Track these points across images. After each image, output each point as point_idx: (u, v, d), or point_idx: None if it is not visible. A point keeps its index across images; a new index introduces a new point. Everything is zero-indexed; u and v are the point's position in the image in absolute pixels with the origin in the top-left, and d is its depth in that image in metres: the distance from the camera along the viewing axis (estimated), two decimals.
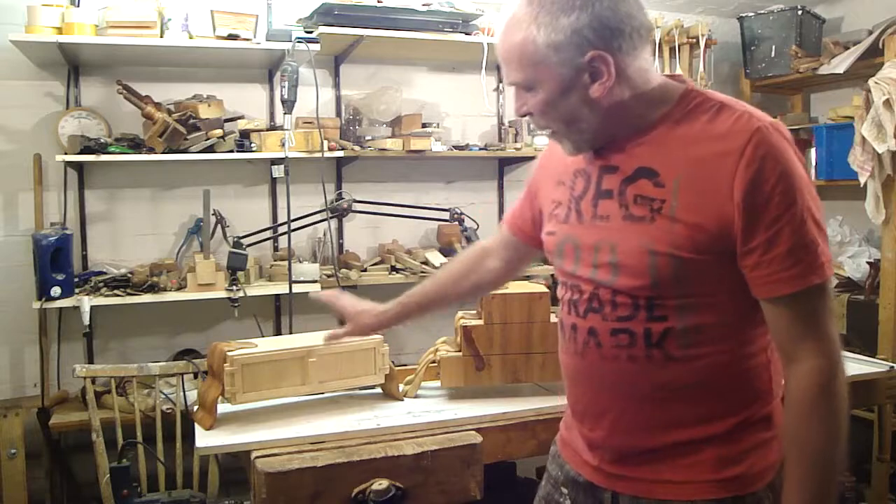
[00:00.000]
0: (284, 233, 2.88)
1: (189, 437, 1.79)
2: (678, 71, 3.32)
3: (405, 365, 2.15)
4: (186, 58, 2.87)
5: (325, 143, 2.87)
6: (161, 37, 2.65)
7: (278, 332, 3.13)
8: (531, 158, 3.45)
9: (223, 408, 1.69)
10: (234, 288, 2.73)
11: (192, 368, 2.42)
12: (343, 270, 2.99)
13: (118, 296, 2.65)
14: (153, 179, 2.98)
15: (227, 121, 2.90)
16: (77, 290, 2.67)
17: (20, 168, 2.78)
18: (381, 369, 1.80)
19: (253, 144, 2.84)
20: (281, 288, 2.85)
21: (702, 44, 3.37)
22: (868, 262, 3.14)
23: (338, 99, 3.21)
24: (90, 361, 2.85)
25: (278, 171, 2.90)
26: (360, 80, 3.23)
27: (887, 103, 2.76)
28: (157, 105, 2.75)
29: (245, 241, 2.75)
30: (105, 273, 2.80)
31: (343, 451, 1.51)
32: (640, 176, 1.15)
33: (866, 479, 2.99)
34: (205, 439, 1.57)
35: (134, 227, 2.98)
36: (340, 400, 1.80)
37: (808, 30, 3.43)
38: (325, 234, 3.15)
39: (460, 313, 1.92)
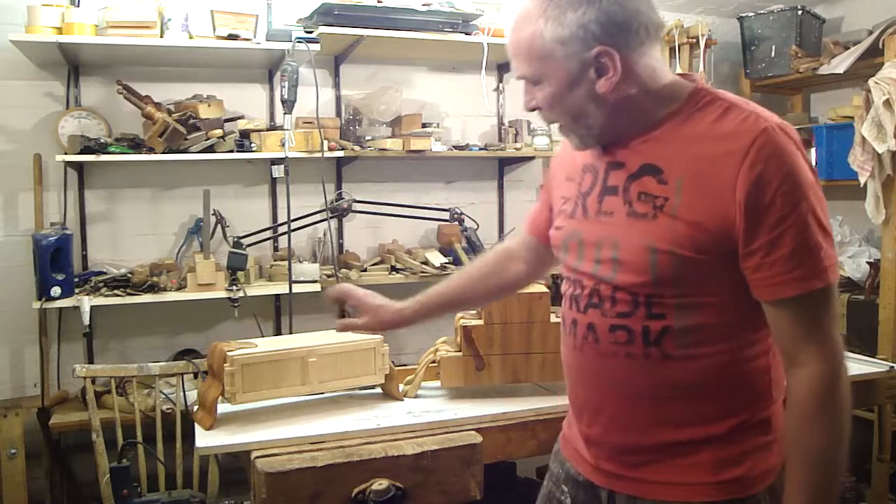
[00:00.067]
0: (284, 233, 2.88)
1: (189, 437, 1.78)
2: (678, 71, 3.32)
3: (405, 365, 2.15)
4: (186, 58, 2.87)
5: (325, 143, 2.87)
6: (161, 37, 2.65)
7: (278, 332, 3.13)
8: (531, 158, 3.46)
9: (223, 408, 1.69)
10: (234, 288, 2.73)
11: (192, 368, 2.42)
12: (343, 270, 2.99)
13: (118, 296, 2.65)
14: (153, 179, 2.98)
15: (227, 121, 2.90)
16: (77, 290, 2.67)
17: (20, 168, 2.78)
18: (381, 369, 1.80)
19: (253, 144, 2.84)
20: (281, 288, 2.85)
21: (702, 44, 3.37)
22: (868, 262, 3.14)
23: (338, 99, 3.21)
24: (90, 361, 2.85)
25: (278, 171, 2.90)
26: (360, 80, 3.23)
27: (887, 103, 2.76)
28: (157, 105, 2.75)
29: (245, 241, 2.75)
30: (105, 273, 2.80)
31: (343, 451, 1.51)
32: (644, 173, 1.15)
33: (866, 479, 2.98)
34: (205, 439, 1.57)
35: (134, 227, 2.98)
36: (340, 400, 1.80)
37: (808, 30, 3.43)
38: (325, 234, 3.15)
39: (460, 313, 1.92)
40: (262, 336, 2.99)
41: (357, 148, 3.00)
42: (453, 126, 3.41)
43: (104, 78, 2.88)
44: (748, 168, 1.05)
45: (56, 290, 2.56)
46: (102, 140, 2.68)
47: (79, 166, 2.85)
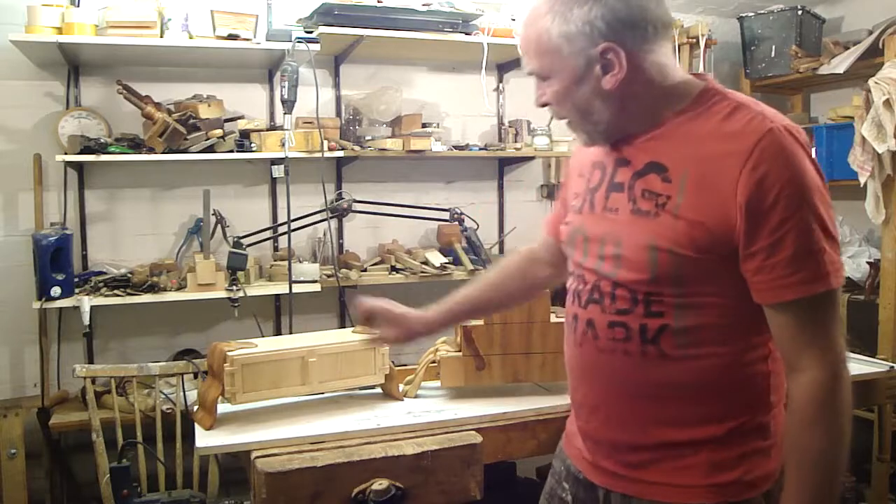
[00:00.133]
0: (284, 233, 2.88)
1: (189, 437, 1.78)
2: None
3: (405, 365, 2.15)
4: (186, 58, 2.87)
5: (325, 143, 2.87)
6: (161, 37, 2.65)
7: (278, 332, 3.13)
8: (531, 158, 3.46)
9: (223, 408, 1.69)
10: (234, 288, 2.72)
11: (192, 368, 2.42)
12: (343, 270, 2.99)
13: (118, 296, 2.65)
14: (153, 179, 2.98)
15: (227, 121, 2.90)
16: (77, 290, 2.67)
17: (20, 168, 2.78)
18: (381, 369, 1.80)
19: (253, 144, 2.84)
20: (281, 288, 2.84)
21: (702, 44, 3.37)
22: (868, 262, 3.14)
23: (338, 99, 3.21)
24: (90, 361, 2.85)
25: (278, 171, 2.90)
26: (360, 80, 3.23)
27: (887, 103, 2.76)
28: (157, 105, 2.75)
29: (245, 241, 2.75)
30: (105, 273, 2.80)
31: (343, 451, 1.51)
32: (649, 171, 1.15)
33: (866, 479, 2.99)
34: (205, 439, 1.57)
35: (134, 227, 2.98)
36: (340, 400, 1.80)
37: (808, 30, 3.43)
38: (325, 234, 3.15)
39: None
40: (262, 336, 2.99)
41: (357, 148, 3.00)
42: (453, 126, 3.41)
43: (104, 78, 2.88)
44: (751, 169, 1.04)
45: (56, 290, 2.56)
46: (102, 140, 2.68)
47: (79, 166, 2.85)
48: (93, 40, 2.56)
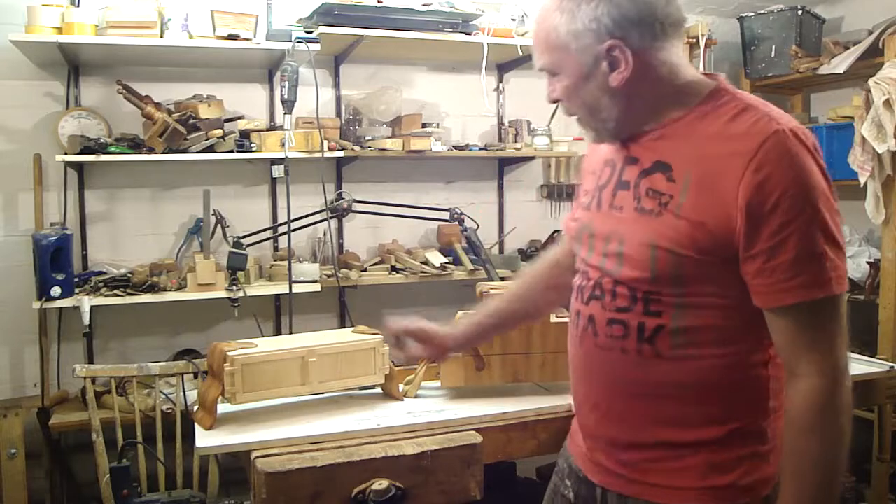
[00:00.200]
0: (284, 233, 2.87)
1: (189, 437, 1.78)
2: None
3: (405, 365, 2.15)
4: (186, 58, 2.87)
5: (325, 143, 2.87)
6: (161, 37, 2.65)
7: (278, 332, 3.13)
8: (531, 158, 3.46)
9: (223, 408, 1.69)
10: (234, 288, 2.72)
11: (192, 368, 2.42)
12: (343, 270, 2.99)
13: (118, 296, 2.65)
14: (153, 179, 2.98)
15: (227, 121, 2.90)
16: (77, 290, 2.67)
17: (20, 168, 2.78)
18: (381, 369, 1.80)
19: (253, 144, 2.84)
20: (281, 288, 2.84)
21: (702, 44, 3.37)
22: (868, 262, 3.13)
23: (338, 99, 3.21)
24: (90, 361, 2.85)
25: (278, 171, 2.90)
26: (360, 80, 3.23)
27: (887, 103, 2.76)
28: (157, 105, 2.75)
29: (245, 241, 2.75)
30: (105, 273, 2.80)
31: (343, 451, 1.51)
32: (656, 170, 1.15)
33: (866, 479, 2.99)
34: (205, 439, 1.57)
35: (134, 227, 2.98)
36: (340, 400, 1.80)
37: (808, 30, 3.43)
38: (325, 234, 3.15)
39: (460, 313, 1.92)
40: (262, 336, 2.99)
41: (357, 148, 3.00)
42: (453, 126, 3.41)
43: (104, 78, 2.88)
44: (753, 171, 1.04)
45: (56, 290, 2.55)
46: (102, 140, 2.68)
47: (79, 166, 2.84)
48: (93, 40, 2.56)
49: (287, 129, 2.71)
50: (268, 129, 2.93)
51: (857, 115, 2.91)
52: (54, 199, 2.86)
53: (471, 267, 3.06)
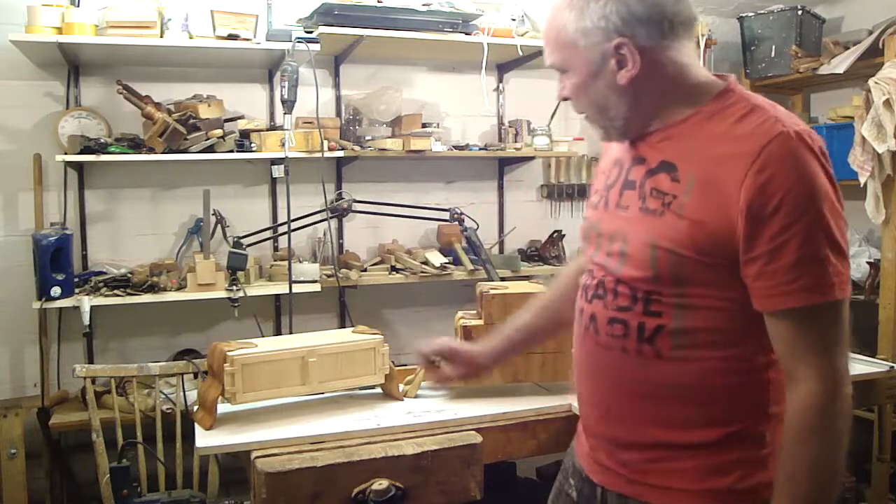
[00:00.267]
0: (284, 233, 2.87)
1: (189, 437, 1.78)
2: None
3: (405, 365, 2.15)
4: (186, 58, 2.87)
5: (325, 143, 2.87)
6: (161, 37, 2.65)
7: (278, 332, 3.13)
8: (531, 158, 3.46)
9: (223, 408, 1.69)
10: (234, 288, 2.72)
11: (192, 368, 2.42)
12: (343, 270, 2.99)
13: (118, 296, 2.65)
14: (153, 179, 2.98)
15: (227, 121, 2.90)
16: (77, 290, 2.66)
17: (20, 168, 2.78)
18: (381, 369, 1.80)
19: (253, 144, 2.84)
20: (281, 288, 2.84)
21: (702, 44, 3.37)
22: (868, 262, 3.14)
23: (338, 99, 3.21)
24: (90, 361, 2.85)
25: (278, 171, 2.90)
26: (360, 80, 3.23)
27: (887, 103, 2.76)
28: (157, 105, 2.75)
29: (245, 241, 2.75)
30: (105, 273, 2.80)
31: (343, 451, 1.51)
32: (661, 170, 1.15)
33: (866, 479, 2.99)
34: (205, 439, 1.57)
35: (134, 227, 2.98)
36: (340, 400, 1.80)
37: (808, 30, 3.43)
38: (325, 234, 3.15)
39: (460, 313, 1.92)
40: (262, 336, 2.99)
41: (357, 148, 3.00)
42: (453, 126, 3.41)
43: (104, 78, 2.88)
44: (755, 173, 1.03)
45: (56, 290, 2.55)
46: (102, 140, 2.68)
47: (79, 166, 2.84)
48: (93, 40, 2.56)
49: (287, 129, 2.71)
50: (268, 129, 2.93)
51: (857, 115, 2.91)
52: (54, 199, 2.86)
53: (471, 267, 3.06)
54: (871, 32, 3.10)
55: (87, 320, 2.59)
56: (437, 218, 3.06)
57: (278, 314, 3.15)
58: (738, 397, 1.14)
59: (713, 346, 1.12)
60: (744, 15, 3.58)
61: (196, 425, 1.64)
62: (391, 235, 3.28)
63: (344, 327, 2.59)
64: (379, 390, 1.85)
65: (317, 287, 2.86)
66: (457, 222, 2.95)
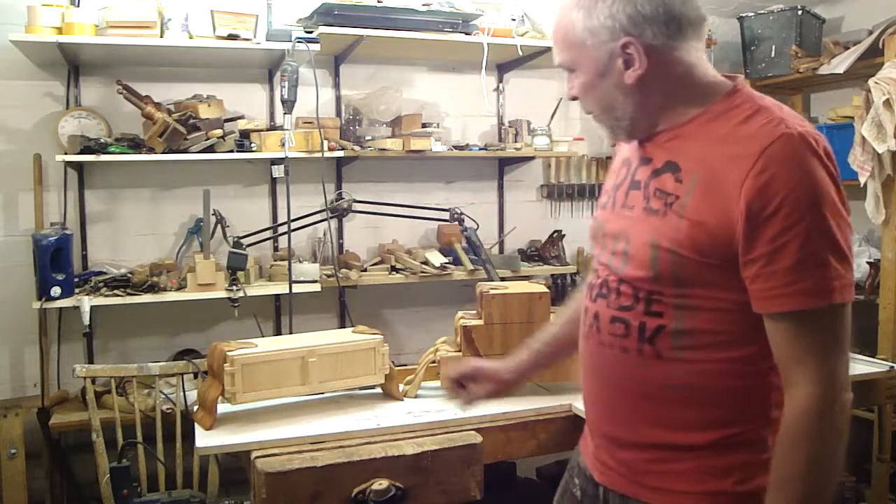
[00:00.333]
0: (284, 233, 2.87)
1: (189, 437, 1.79)
2: None
3: (405, 365, 2.15)
4: (186, 58, 2.87)
5: (325, 143, 2.87)
6: (161, 37, 2.65)
7: (278, 332, 3.13)
8: (531, 158, 3.46)
9: (223, 408, 1.69)
10: (234, 288, 2.72)
11: (192, 368, 2.42)
12: (343, 270, 2.99)
13: (118, 296, 2.65)
14: (153, 179, 2.98)
15: (227, 121, 2.90)
16: (77, 290, 2.66)
17: (20, 168, 2.78)
18: (381, 369, 1.80)
19: (253, 144, 2.84)
20: (281, 288, 2.84)
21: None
22: (868, 262, 3.13)
23: (338, 99, 3.21)
24: (90, 361, 2.85)
25: (278, 171, 2.90)
26: (360, 80, 3.23)
27: (887, 103, 2.76)
28: (157, 105, 2.75)
29: (245, 241, 2.75)
30: (105, 273, 2.80)
31: (343, 451, 1.51)
32: (666, 170, 1.15)
33: (866, 479, 2.99)
34: (205, 439, 1.57)
35: (134, 227, 2.98)
36: (340, 400, 1.80)
37: (808, 30, 3.43)
38: (325, 234, 3.15)
39: (460, 313, 1.92)
40: (262, 336, 2.99)
41: (357, 148, 3.00)
42: (453, 126, 3.41)
43: (104, 78, 2.88)
44: (756, 174, 1.02)
45: (56, 290, 2.55)
46: (102, 140, 2.68)
47: (79, 166, 2.84)
48: (93, 40, 2.56)
49: (287, 129, 2.71)
50: (268, 129, 2.93)
51: (857, 115, 2.91)
52: (54, 199, 2.86)
53: (471, 267, 3.06)
54: (871, 32, 3.10)
55: (87, 320, 2.59)
56: (437, 218, 3.07)
57: (278, 314, 3.15)
58: (740, 400, 1.13)
59: (714, 347, 1.12)
60: (744, 15, 3.58)
61: (196, 425, 1.64)
62: (391, 235, 3.28)
63: (344, 327, 2.60)
64: (379, 390, 1.85)
65: (317, 287, 2.86)
66: (457, 222, 2.95)
